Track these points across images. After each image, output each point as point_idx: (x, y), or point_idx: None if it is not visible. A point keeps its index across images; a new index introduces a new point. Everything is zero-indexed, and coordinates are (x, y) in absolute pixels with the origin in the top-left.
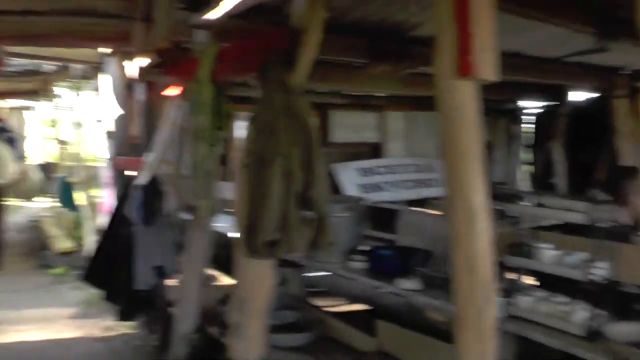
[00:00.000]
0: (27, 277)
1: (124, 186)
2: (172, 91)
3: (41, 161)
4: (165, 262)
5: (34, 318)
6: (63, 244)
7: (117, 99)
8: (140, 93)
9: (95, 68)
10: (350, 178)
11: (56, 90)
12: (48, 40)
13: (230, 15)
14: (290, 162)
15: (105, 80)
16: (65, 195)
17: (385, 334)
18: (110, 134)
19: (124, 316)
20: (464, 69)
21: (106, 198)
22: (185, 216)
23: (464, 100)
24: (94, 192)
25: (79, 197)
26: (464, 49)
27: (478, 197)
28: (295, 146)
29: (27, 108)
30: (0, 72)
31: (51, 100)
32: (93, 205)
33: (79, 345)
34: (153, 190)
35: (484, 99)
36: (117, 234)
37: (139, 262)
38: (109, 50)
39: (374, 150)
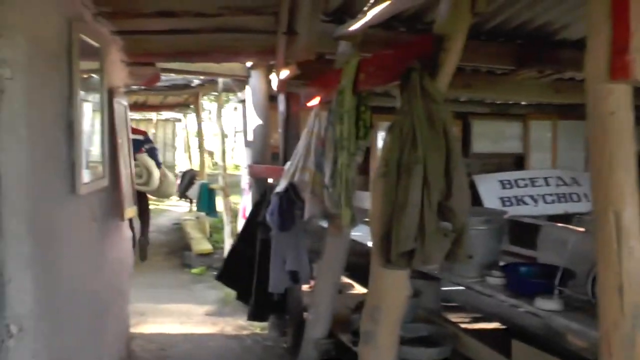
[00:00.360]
0: (168, 275)
1: (261, 193)
2: (313, 102)
3: (185, 168)
4: (300, 267)
5: (173, 312)
6: (202, 245)
7: (257, 110)
8: (281, 104)
9: (240, 81)
10: (491, 190)
11: (204, 103)
12: (198, 57)
13: (372, 26)
14: (430, 171)
15: (248, 93)
16: (206, 201)
17: (521, 356)
18: (249, 143)
19: (254, 317)
20: (620, 70)
21: (245, 204)
22: (323, 224)
23: (618, 106)
24: (233, 198)
25: (219, 203)
26: (621, 49)
27: (630, 213)
28: (435, 155)
29: (177, 120)
30: (155, 87)
31: (198, 113)
32: (232, 211)
33: (213, 341)
34: (290, 197)
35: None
36: (252, 238)
37: (274, 266)
38: (253, 64)
39: (517, 162)
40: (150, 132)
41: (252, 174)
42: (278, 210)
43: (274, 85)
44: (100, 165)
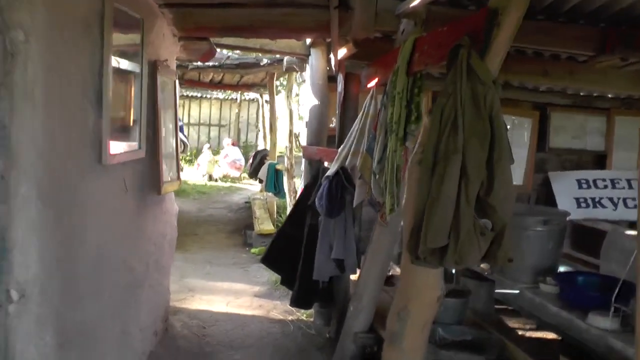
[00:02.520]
0: (228, 253)
1: (313, 175)
2: (371, 83)
3: (259, 148)
4: (346, 255)
5: (223, 290)
6: (264, 225)
7: (315, 89)
8: (339, 84)
9: (302, 60)
10: (566, 189)
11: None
12: (249, 32)
13: (436, 2)
14: (469, 161)
15: (307, 72)
16: (273, 181)
17: None
18: (307, 124)
19: (297, 303)
20: None
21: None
22: (372, 211)
23: None
24: (296, 179)
25: (285, 184)
26: None
27: None
28: (477, 143)
29: (253, 100)
30: (225, 65)
31: (272, 93)
32: (295, 192)
33: (255, 323)
34: (341, 182)
35: None
36: (301, 222)
37: (320, 253)
38: (312, 42)
39: (597, 160)
40: (234, 111)
41: (306, 155)
42: (327, 195)
43: (333, 65)
44: (137, 137)
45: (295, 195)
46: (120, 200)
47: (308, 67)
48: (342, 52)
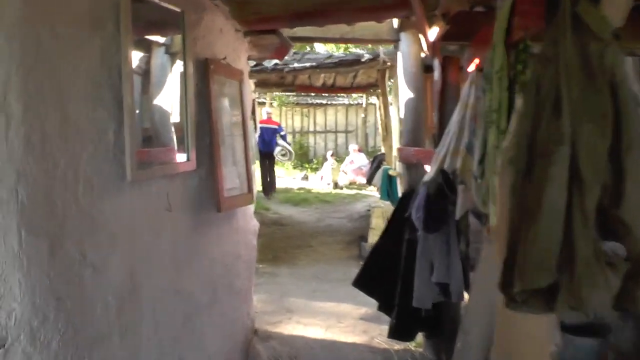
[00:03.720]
0: (338, 267)
1: (410, 183)
2: (471, 66)
3: (378, 152)
4: (450, 279)
5: (325, 312)
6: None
7: (408, 80)
8: (436, 71)
9: (395, 48)
10: None
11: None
12: (321, 18)
13: None
14: (583, 156)
15: (399, 61)
16: (386, 188)
17: None
18: (402, 122)
19: (397, 334)
20: None
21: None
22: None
23: None
24: None
25: (399, 190)
26: None
27: None
28: (593, 129)
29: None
30: (322, 64)
31: (383, 93)
32: None
33: (355, 352)
34: (440, 188)
35: None
36: (398, 237)
37: (420, 275)
38: (400, 24)
39: None
40: (361, 116)
41: (402, 158)
42: (425, 206)
43: (426, 48)
44: (185, 146)
45: None
46: (163, 221)
47: (399, 55)
48: (434, 32)
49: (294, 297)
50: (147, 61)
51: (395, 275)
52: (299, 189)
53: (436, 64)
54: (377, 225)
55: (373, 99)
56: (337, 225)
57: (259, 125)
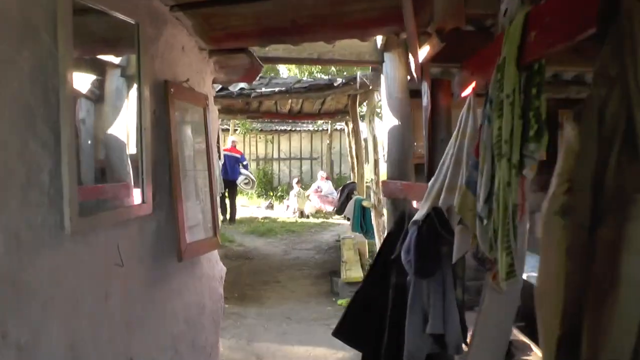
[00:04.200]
0: (310, 305)
1: (396, 220)
2: (466, 90)
3: (348, 182)
4: (447, 329)
5: (299, 357)
6: (352, 272)
7: (392, 105)
8: (424, 96)
9: (376, 72)
10: None
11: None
12: (294, 34)
13: None
14: None
15: (382, 85)
16: (358, 219)
17: None
18: (386, 153)
19: None
20: None
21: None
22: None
23: None
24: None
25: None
26: None
27: None
28: None
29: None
30: (292, 89)
31: (354, 119)
32: (384, 232)
33: None
34: (434, 228)
35: None
36: (383, 281)
37: (411, 325)
38: (384, 44)
39: None
40: (326, 142)
41: (387, 193)
42: (416, 247)
43: (413, 70)
44: (140, 186)
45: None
46: (113, 278)
47: (382, 79)
48: (424, 52)
49: (263, 340)
50: (100, 85)
51: (382, 324)
52: (264, 218)
53: (425, 87)
54: (349, 259)
55: (339, 125)
56: (305, 258)
57: (222, 153)
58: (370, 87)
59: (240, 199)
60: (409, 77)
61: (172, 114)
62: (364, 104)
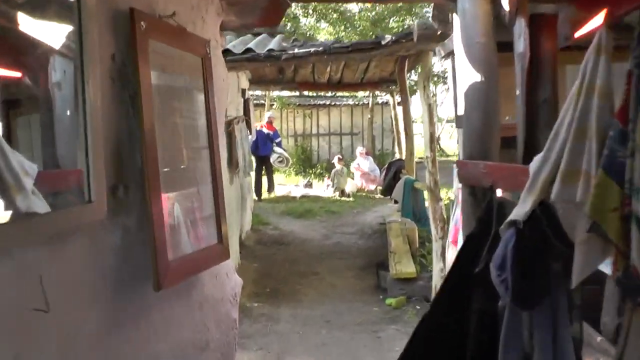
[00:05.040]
0: (353, 305)
1: (480, 217)
2: (588, 26)
3: (394, 159)
4: None
5: None
6: (403, 267)
7: (471, 55)
8: (519, 41)
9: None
10: None
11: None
12: None
13: None
14: None
15: (455, 28)
16: (410, 204)
17: None
18: (460, 120)
19: None
20: None
21: (456, 225)
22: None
23: None
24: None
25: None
26: None
27: None
28: None
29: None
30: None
31: (403, 88)
32: (443, 220)
33: None
34: (542, 234)
35: None
36: (461, 305)
37: None
38: None
39: None
40: (367, 117)
41: (464, 177)
42: (515, 261)
43: (505, 3)
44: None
45: (444, 227)
46: (33, 329)
47: (456, 20)
48: None
49: (296, 354)
50: None
51: None
52: (302, 197)
53: (521, 27)
54: (398, 248)
55: (381, 98)
56: (347, 244)
57: (254, 129)
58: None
59: (277, 177)
60: (494, 16)
61: (142, 62)
62: (413, 71)
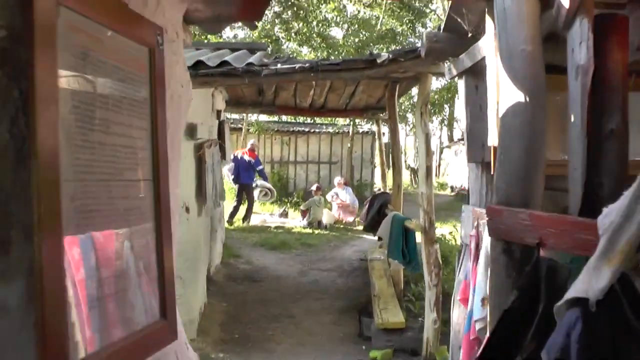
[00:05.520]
0: (333, 356)
1: (524, 287)
2: None
3: (377, 190)
4: None
5: None
6: (389, 315)
7: (513, 68)
8: (578, 47)
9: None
10: None
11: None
12: None
13: None
14: None
15: (488, 30)
16: (400, 244)
17: None
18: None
19: None
20: None
21: (467, 279)
22: None
23: None
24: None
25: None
26: None
27: None
28: None
29: (367, 133)
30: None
31: (392, 116)
32: (438, 266)
33: None
34: (623, 317)
35: None
36: None
37: None
38: None
39: None
40: (347, 146)
41: (496, 229)
42: (583, 356)
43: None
44: None
45: (439, 273)
46: None
47: (490, 24)
48: None
49: None
50: None
51: None
52: (277, 227)
53: (583, 30)
54: (382, 291)
55: (361, 127)
56: (324, 282)
57: (233, 155)
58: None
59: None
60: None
61: (42, 40)
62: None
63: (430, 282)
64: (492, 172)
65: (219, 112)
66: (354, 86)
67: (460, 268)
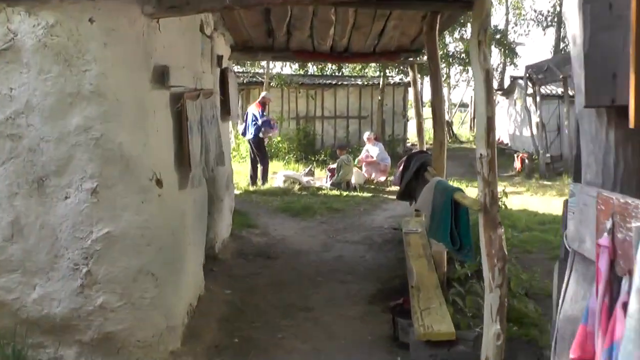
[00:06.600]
0: None
1: None
2: None
3: (413, 148)
4: None
5: None
6: (435, 321)
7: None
8: None
9: None
10: None
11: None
12: None
13: None
14: None
15: None
16: (449, 223)
17: None
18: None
19: None
20: None
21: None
22: None
23: None
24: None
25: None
26: None
27: None
28: None
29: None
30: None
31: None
32: (503, 258)
33: None
34: None
35: None
36: None
37: None
38: None
39: None
40: (377, 99)
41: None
42: None
43: None
44: None
45: (504, 268)
46: None
47: None
48: None
49: None
50: None
51: None
52: (302, 188)
53: None
54: (421, 279)
55: (393, 78)
56: (351, 258)
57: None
58: None
59: (274, 164)
60: None
61: None
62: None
63: (492, 282)
64: (631, 124)
65: (220, 58)
66: (384, 21)
67: (564, 295)
